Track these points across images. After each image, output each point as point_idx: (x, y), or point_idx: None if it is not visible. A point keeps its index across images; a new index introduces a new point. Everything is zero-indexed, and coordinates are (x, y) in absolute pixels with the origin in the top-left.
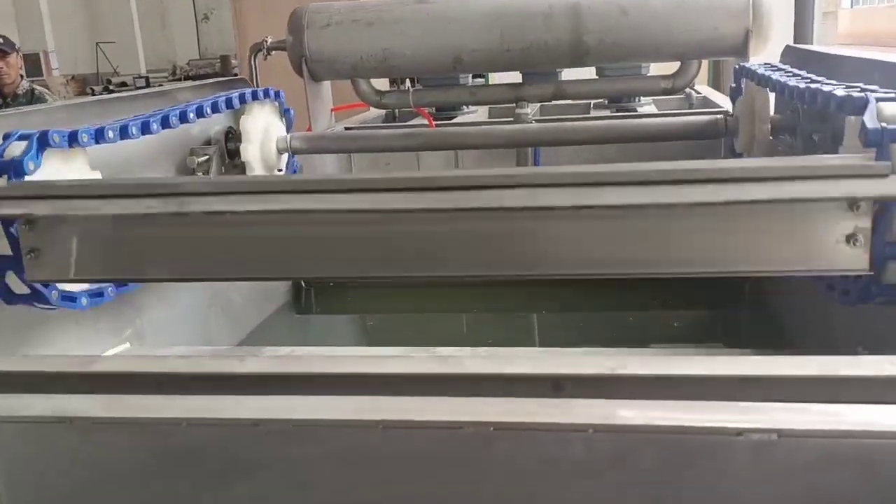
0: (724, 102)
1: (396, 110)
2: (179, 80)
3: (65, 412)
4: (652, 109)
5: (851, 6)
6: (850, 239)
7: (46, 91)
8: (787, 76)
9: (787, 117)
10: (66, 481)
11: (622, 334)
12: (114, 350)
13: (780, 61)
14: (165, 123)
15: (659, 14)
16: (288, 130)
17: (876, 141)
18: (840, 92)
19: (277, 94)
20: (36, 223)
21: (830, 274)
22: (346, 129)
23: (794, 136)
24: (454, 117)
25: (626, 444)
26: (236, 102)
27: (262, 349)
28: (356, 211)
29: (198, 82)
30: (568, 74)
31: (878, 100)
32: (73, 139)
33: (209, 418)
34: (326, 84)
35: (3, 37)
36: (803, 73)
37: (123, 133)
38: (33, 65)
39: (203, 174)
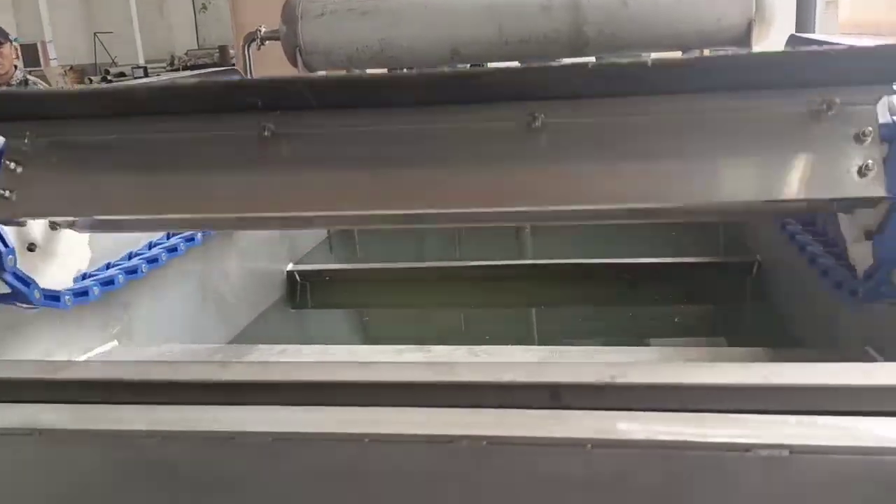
0: None
1: None
2: (177, 70)
3: (33, 423)
4: None
5: None
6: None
7: (41, 82)
8: None
9: None
10: (33, 497)
11: (623, 330)
12: (101, 349)
13: None
14: None
15: (660, 4)
16: None
17: (891, 135)
18: None
19: None
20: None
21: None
22: None
23: None
24: None
25: (627, 461)
26: None
27: (254, 347)
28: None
29: (187, 72)
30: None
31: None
32: None
33: (184, 431)
34: (321, 74)
35: None
36: None
37: None
38: (31, 55)
39: None
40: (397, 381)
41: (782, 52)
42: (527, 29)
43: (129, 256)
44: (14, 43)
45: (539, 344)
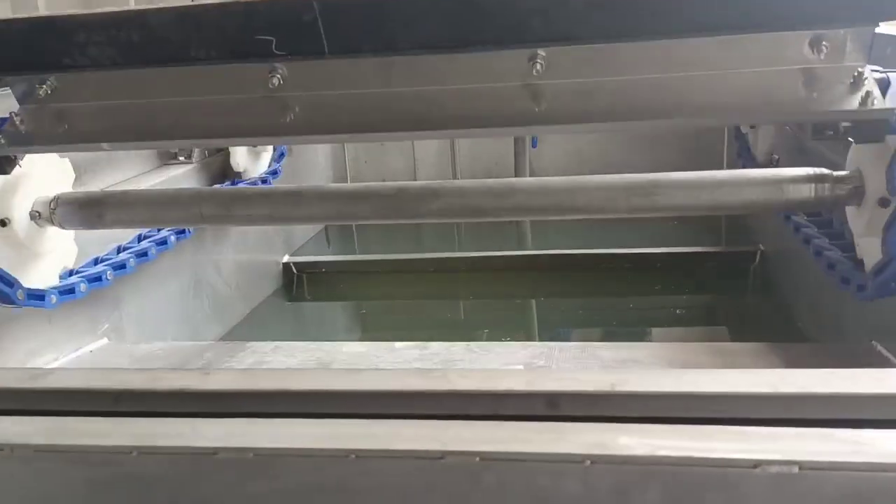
0: None
1: None
2: None
3: (4, 439)
4: None
5: None
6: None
7: None
8: None
9: None
10: None
11: (623, 320)
12: (90, 347)
13: None
14: None
15: None
16: None
17: None
18: None
19: None
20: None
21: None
22: None
23: None
24: None
25: (628, 477)
26: None
27: (245, 344)
28: None
29: None
30: None
31: None
32: None
33: (162, 446)
34: None
35: None
36: None
37: None
38: None
39: (185, 159)
40: (387, 391)
41: None
42: None
43: (118, 251)
44: None
45: (539, 335)
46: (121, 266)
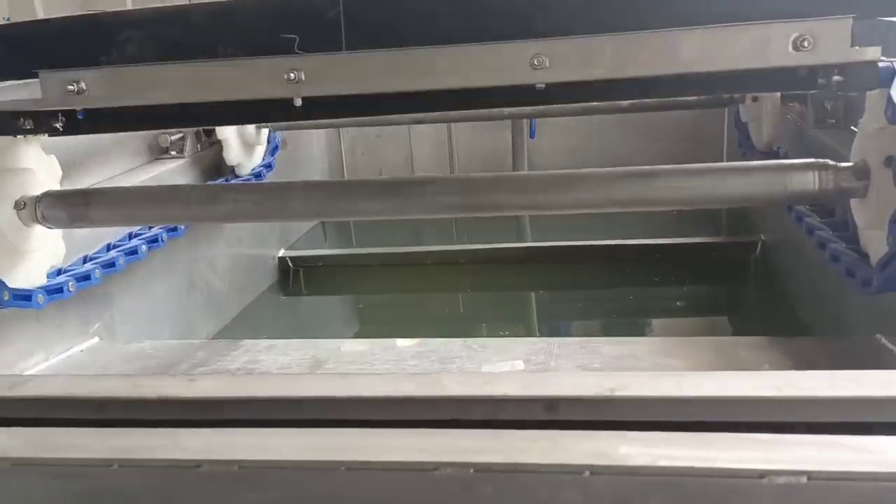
0: None
1: None
2: None
3: None
4: None
5: None
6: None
7: None
8: None
9: None
10: None
11: (623, 312)
12: (80, 347)
13: None
14: None
15: None
16: None
17: None
18: None
19: None
20: None
21: None
22: None
23: (805, 105)
24: None
25: (629, 489)
26: None
27: (239, 343)
28: None
29: None
30: None
31: None
32: None
33: (143, 459)
34: None
35: None
36: None
37: None
38: None
39: (177, 153)
40: (380, 397)
41: None
42: None
43: (108, 248)
44: None
45: (539, 327)
46: (110, 264)
